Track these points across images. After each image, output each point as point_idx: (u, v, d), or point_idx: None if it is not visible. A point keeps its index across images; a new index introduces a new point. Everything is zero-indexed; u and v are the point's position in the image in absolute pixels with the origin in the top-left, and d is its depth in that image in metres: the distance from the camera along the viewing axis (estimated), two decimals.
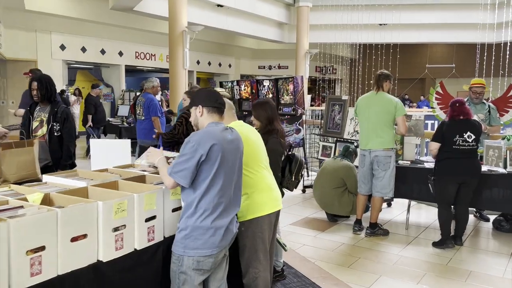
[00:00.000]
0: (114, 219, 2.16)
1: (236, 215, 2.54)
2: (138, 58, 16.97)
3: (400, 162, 5.08)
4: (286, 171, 3.64)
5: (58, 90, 5.79)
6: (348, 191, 5.09)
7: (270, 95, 8.25)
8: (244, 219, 2.72)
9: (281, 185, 3.56)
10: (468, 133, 4.30)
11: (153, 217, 2.39)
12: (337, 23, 17.27)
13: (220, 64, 20.36)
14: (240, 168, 2.51)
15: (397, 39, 17.89)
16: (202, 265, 2.31)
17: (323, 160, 6.44)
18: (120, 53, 16.24)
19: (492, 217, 5.39)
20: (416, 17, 18.01)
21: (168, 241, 2.47)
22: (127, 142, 3.58)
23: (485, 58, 14.81)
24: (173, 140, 4.49)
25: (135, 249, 2.31)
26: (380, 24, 18.05)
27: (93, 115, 10.15)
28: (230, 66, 20.86)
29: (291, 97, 7.67)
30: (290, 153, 3.80)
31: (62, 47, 14.43)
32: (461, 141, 4.31)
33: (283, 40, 19.09)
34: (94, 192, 2.43)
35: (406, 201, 5.39)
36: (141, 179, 2.79)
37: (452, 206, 4.58)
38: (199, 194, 2.30)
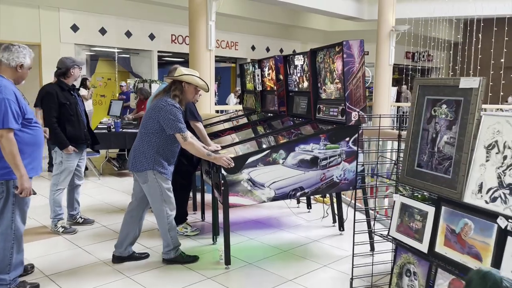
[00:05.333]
0: None
1: None
2: (175, 42, 13.73)
3: None
4: None
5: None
6: None
7: (305, 84, 4.34)
8: None
9: None
10: None
11: None
12: None
13: (281, 50, 16.54)
14: None
15: None
16: None
17: (406, 248, 2.45)
18: (151, 36, 13.12)
19: None
20: None
21: None
22: None
23: None
24: None
25: None
26: None
27: None
28: (294, 52, 16.94)
29: (339, 86, 3.70)
30: None
31: (74, 28, 11.59)
32: None
33: (362, 17, 14.80)
34: None
35: None
36: None
37: None
38: None
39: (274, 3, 12.45)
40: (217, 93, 13.30)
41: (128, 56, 13.89)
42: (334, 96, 3.83)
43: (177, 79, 3.47)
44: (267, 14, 14.87)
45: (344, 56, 3.51)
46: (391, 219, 2.70)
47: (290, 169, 3.54)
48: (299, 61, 4.44)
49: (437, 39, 17.08)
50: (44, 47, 11.04)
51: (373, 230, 2.76)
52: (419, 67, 18.60)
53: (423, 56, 19.75)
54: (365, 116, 3.64)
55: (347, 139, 3.67)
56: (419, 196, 2.81)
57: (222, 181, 3.39)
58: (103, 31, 12.09)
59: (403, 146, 2.67)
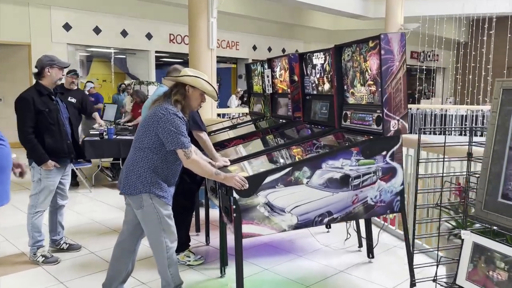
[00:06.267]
0: None
1: None
2: (174, 42, 13.13)
3: None
4: None
5: None
6: None
7: (326, 86, 3.72)
8: None
9: None
10: None
11: None
12: None
13: (284, 50, 15.94)
14: None
15: None
16: None
17: None
18: (149, 36, 12.51)
19: None
20: None
21: None
22: None
23: None
24: None
25: None
26: None
27: None
28: (297, 52, 16.34)
29: (372, 88, 3.07)
30: None
31: (67, 27, 10.97)
32: None
33: (368, 15, 14.20)
34: None
35: None
36: None
37: None
38: None
39: (276, 0, 11.85)
40: (218, 95, 12.70)
41: (124, 56, 13.27)
42: (366, 100, 3.20)
43: (179, 81, 2.84)
44: (269, 13, 14.29)
45: (382, 52, 2.88)
46: (458, 263, 2.07)
47: (316, 190, 2.91)
48: (318, 59, 3.81)
49: (445, 38, 16.50)
50: (34, 48, 10.39)
51: (435, 278, 2.12)
52: (434, 67, 17.96)
53: (429, 56, 19.15)
54: (405, 123, 3.02)
55: (384, 153, 3.04)
56: (483, 229, 2.20)
57: (234, 206, 2.75)
58: (97, 30, 11.47)
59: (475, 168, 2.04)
